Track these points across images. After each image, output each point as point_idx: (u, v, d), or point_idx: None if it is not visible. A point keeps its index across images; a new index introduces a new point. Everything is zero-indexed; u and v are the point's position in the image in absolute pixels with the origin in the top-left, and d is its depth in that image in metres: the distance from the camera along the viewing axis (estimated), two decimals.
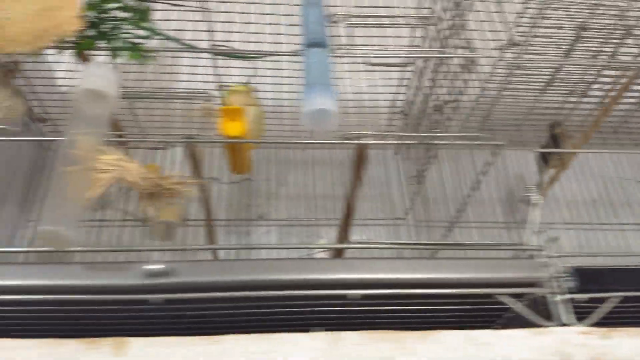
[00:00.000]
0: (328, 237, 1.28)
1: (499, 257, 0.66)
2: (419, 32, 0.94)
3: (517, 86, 0.97)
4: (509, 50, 0.84)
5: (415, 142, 0.68)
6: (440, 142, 0.69)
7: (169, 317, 0.58)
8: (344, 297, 0.56)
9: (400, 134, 0.69)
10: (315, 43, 0.70)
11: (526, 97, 1.03)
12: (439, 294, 0.58)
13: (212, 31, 0.75)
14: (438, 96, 0.94)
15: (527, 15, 0.93)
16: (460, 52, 0.80)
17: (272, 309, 0.59)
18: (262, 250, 1.21)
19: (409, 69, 1.09)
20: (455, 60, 0.86)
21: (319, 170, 1.33)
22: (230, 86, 0.69)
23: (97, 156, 0.57)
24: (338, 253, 1.08)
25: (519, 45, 0.83)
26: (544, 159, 1.13)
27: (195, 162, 0.74)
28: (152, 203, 0.64)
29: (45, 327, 0.59)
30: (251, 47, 0.75)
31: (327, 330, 0.54)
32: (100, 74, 0.61)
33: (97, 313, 0.56)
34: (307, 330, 0.54)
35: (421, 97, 1.13)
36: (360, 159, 0.70)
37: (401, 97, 1.15)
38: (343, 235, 0.96)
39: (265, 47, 0.75)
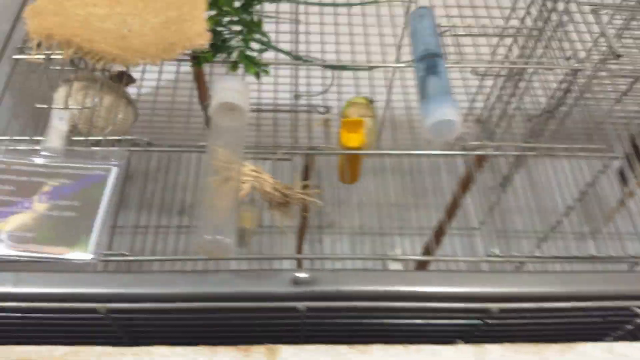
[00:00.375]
0: (402, 246, 1.28)
1: (619, 271, 0.66)
2: (517, 43, 0.94)
3: (608, 97, 0.96)
4: (610, 62, 0.84)
5: (535, 153, 0.68)
6: (562, 153, 0.69)
7: (312, 325, 0.59)
8: (486, 310, 0.56)
9: (518, 143, 0.69)
10: (431, 54, 0.71)
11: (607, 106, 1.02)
12: (576, 307, 0.58)
13: (320, 43, 0.77)
14: (533, 105, 0.94)
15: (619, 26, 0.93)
16: (563, 62, 0.80)
17: (405, 320, 0.60)
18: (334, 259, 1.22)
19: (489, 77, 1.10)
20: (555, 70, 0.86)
21: (389, 177, 1.34)
22: (350, 98, 0.70)
23: (235, 167, 0.59)
24: (422, 265, 1.08)
25: (620, 56, 0.82)
26: (624, 169, 1.11)
27: (308, 172, 0.76)
28: (282, 212, 0.65)
29: (193, 335, 0.60)
30: (358, 59, 0.76)
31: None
32: (234, 87, 0.62)
33: (245, 320, 0.58)
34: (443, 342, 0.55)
35: (502, 105, 1.13)
36: (474, 168, 0.70)
37: (478, 104, 1.15)
38: (434, 245, 0.96)
39: (374, 59, 0.76)
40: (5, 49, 0.75)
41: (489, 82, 1.12)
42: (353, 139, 0.66)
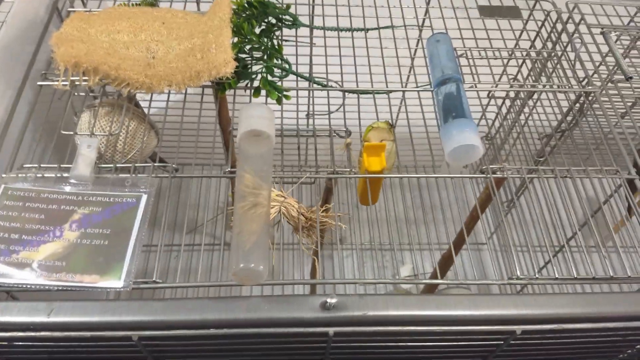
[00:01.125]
0: (411, 262, 1.29)
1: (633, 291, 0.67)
2: (526, 64, 0.96)
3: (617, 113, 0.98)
4: (623, 84, 0.86)
5: (552, 175, 0.69)
6: (580, 175, 0.70)
7: (338, 348, 0.59)
8: (511, 332, 0.57)
9: (538, 167, 0.70)
10: (450, 78, 0.73)
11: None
12: (597, 328, 0.59)
13: (337, 65, 0.79)
14: (543, 126, 0.96)
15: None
16: (576, 86, 0.82)
17: (430, 342, 0.60)
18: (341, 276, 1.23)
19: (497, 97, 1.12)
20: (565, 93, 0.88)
21: (397, 193, 1.35)
22: (372, 123, 0.71)
23: (263, 192, 0.59)
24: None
25: (631, 78, 0.84)
26: (632, 185, 1.13)
27: (329, 194, 0.77)
28: (306, 235, 0.66)
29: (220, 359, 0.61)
30: (366, 80, 0.77)
31: None
32: (260, 115, 0.63)
33: (273, 345, 0.58)
34: None
35: (512, 124, 1.15)
36: (492, 190, 0.71)
37: (485, 122, 1.16)
38: (447, 262, 0.97)
39: (383, 80, 0.77)
40: (27, 75, 0.76)
41: (498, 101, 1.14)
42: (375, 163, 0.67)
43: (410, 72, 0.95)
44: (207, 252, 1.26)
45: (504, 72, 1.04)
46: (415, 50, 1.00)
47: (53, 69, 0.76)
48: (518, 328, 0.57)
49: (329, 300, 0.55)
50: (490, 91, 0.85)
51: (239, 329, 0.55)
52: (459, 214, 1.38)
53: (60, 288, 0.55)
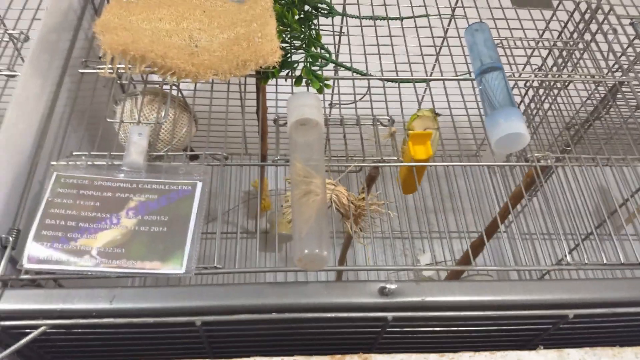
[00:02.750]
0: (431, 250, 1.30)
1: None
2: (553, 54, 0.97)
3: None
4: None
5: (594, 164, 0.70)
6: (618, 164, 0.71)
7: (392, 333, 0.60)
8: (563, 316, 0.58)
9: (579, 155, 0.71)
10: (492, 67, 0.73)
11: None
12: None
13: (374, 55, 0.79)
14: (570, 116, 0.97)
15: None
16: (610, 75, 0.83)
17: (484, 327, 0.61)
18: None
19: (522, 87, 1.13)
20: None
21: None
22: (418, 111, 0.72)
23: (315, 181, 0.60)
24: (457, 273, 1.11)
25: None
26: None
27: (372, 182, 0.77)
28: (355, 223, 0.67)
29: (272, 344, 0.62)
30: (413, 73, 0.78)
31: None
32: (309, 103, 0.64)
33: (328, 330, 0.59)
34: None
35: (532, 113, 1.16)
36: (532, 178, 0.72)
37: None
38: (477, 250, 0.98)
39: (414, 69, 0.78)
40: (67, 63, 0.75)
41: (522, 91, 1.14)
42: (420, 151, 0.68)
43: (436, 61, 0.96)
44: (231, 240, 1.26)
45: (528, 62, 1.05)
46: (443, 39, 1.00)
47: (95, 57, 0.76)
48: (570, 312, 0.58)
49: (388, 285, 0.56)
50: (527, 80, 0.86)
51: (300, 313, 0.55)
52: (478, 203, 1.40)
53: (121, 275, 0.55)
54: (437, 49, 0.89)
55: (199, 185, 0.61)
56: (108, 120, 0.69)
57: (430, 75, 0.78)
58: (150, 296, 0.55)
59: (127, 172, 0.62)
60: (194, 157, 0.78)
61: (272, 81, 0.76)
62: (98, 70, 0.70)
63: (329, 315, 0.55)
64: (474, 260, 0.79)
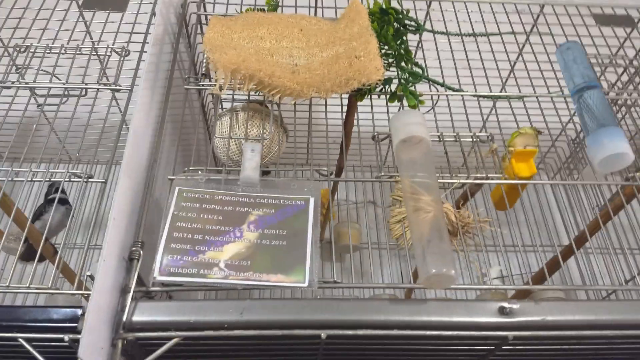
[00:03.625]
0: (498, 263, 1.30)
1: None
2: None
3: None
4: None
5: None
6: None
7: (508, 351, 0.61)
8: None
9: None
10: (589, 86, 0.74)
11: None
12: None
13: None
14: None
15: None
16: None
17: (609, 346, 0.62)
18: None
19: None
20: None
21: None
22: (520, 128, 0.73)
23: (424, 198, 0.61)
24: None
25: None
26: None
27: (469, 198, 0.78)
28: (457, 239, 0.68)
29: None
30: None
31: None
32: (415, 121, 0.65)
33: (444, 346, 0.60)
34: None
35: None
36: (629, 197, 0.72)
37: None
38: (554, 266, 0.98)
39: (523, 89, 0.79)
40: (171, 80, 0.78)
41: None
42: (524, 169, 0.69)
43: (530, 79, 0.97)
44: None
45: (619, 79, 1.04)
46: (518, 55, 1.01)
47: (199, 73, 0.79)
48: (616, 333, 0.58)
49: (507, 305, 0.57)
50: (619, 99, 0.86)
51: (421, 330, 0.56)
52: (541, 217, 1.39)
53: (249, 287, 0.57)
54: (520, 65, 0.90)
55: (312, 200, 0.63)
56: (216, 137, 0.72)
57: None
58: (279, 309, 0.56)
59: (243, 187, 0.64)
60: (265, 173, 0.80)
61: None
62: (209, 87, 0.73)
63: (449, 333, 0.56)
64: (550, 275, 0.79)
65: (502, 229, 1.34)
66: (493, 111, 0.76)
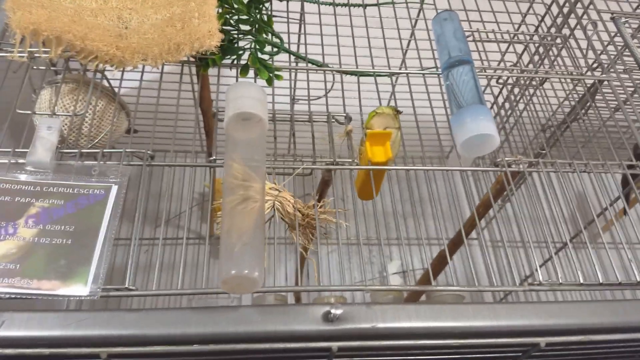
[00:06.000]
0: (399, 257, 1.23)
1: None
2: (528, 50, 0.90)
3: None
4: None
5: (570, 169, 0.64)
6: (597, 171, 0.65)
7: None
8: (536, 345, 0.51)
9: (554, 160, 0.64)
10: (461, 61, 0.66)
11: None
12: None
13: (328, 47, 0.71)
14: (546, 117, 0.90)
15: None
16: (589, 73, 0.76)
17: (449, 356, 0.54)
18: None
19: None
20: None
21: (385, 186, 1.29)
22: (377, 108, 0.64)
23: (255, 185, 0.52)
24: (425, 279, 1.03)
25: None
26: (626, 180, 1.09)
27: (326, 186, 0.69)
28: (302, 234, 0.59)
29: None
30: (362, 63, 0.70)
31: None
32: (251, 95, 0.55)
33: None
34: None
35: (505, 113, 1.10)
36: (503, 183, 0.65)
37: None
38: (442, 262, 0.91)
39: (377, 63, 0.70)
40: None
41: (495, 90, 1.08)
42: (379, 153, 0.60)
43: (404, 54, 0.88)
44: (175, 247, 1.17)
45: (502, 60, 0.98)
46: (412, 32, 0.93)
47: (8, 38, 0.66)
48: (542, 340, 0.51)
49: (332, 310, 0.48)
50: (500, 77, 0.79)
51: (227, 344, 0.47)
52: (449, 208, 1.33)
53: (13, 296, 0.46)
54: (405, 42, 0.82)
55: (114, 189, 0.52)
56: (19, 111, 0.59)
57: (402, 68, 0.70)
58: (48, 322, 0.45)
59: (31, 172, 0.53)
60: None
61: (223, 71, 0.67)
62: (6, 54, 0.60)
63: (262, 346, 0.47)
64: (434, 279, 0.72)
65: (416, 222, 1.27)
66: (355, 88, 0.66)
